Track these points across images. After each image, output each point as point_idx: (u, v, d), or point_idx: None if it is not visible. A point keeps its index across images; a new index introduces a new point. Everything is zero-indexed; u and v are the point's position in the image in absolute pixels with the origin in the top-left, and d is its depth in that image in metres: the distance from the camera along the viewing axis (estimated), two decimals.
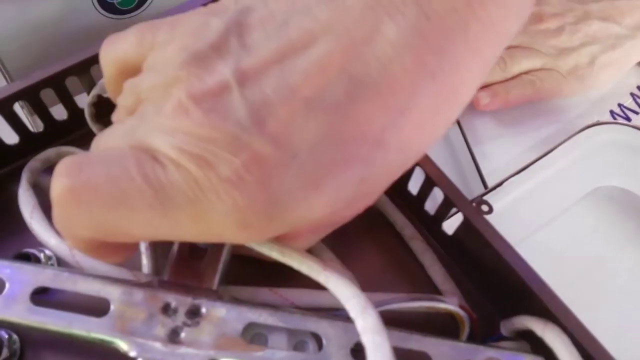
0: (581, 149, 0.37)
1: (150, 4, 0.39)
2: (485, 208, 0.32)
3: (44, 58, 0.40)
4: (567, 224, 0.38)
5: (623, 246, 0.36)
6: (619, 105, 0.41)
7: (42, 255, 0.27)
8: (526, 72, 0.38)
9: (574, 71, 0.37)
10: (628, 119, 0.41)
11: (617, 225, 0.37)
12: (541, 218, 0.37)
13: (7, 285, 0.23)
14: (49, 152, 0.28)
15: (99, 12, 0.39)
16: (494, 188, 0.35)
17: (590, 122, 0.40)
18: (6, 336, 0.25)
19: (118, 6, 0.38)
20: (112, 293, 0.23)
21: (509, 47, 0.36)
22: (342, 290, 0.20)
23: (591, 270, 0.35)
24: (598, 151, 0.37)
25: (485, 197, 0.33)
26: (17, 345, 0.25)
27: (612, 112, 0.41)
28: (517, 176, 0.35)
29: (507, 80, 0.38)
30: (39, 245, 0.26)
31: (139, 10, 0.39)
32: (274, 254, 0.21)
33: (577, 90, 0.39)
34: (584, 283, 0.35)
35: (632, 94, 0.41)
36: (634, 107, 0.41)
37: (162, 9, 0.39)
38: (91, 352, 0.25)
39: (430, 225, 0.29)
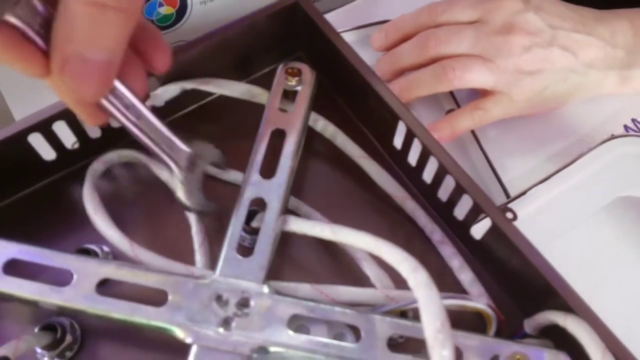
0: (601, 161, 0.39)
1: (186, 21, 0.42)
2: (509, 215, 0.33)
3: None
4: (587, 233, 0.39)
5: None
6: (633, 120, 0.43)
7: (99, 251, 0.29)
8: (475, 91, 0.38)
9: (525, 96, 0.37)
10: None
11: (636, 232, 0.39)
12: (562, 226, 0.38)
13: (74, 276, 0.25)
14: (111, 155, 0.31)
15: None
16: (518, 197, 0.37)
17: (604, 136, 0.41)
18: (69, 324, 0.27)
19: (157, 23, 0.41)
20: (169, 285, 0.25)
21: (469, 55, 0.35)
22: (394, 255, 0.23)
23: (610, 277, 0.37)
24: (617, 163, 0.39)
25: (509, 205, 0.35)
26: (78, 333, 0.27)
27: (626, 126, 0.43)
28: (539, 186, 0.37)
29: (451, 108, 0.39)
30: (97, 241, 0.29)
31: (176, 27, 0.42)
32: (326, 232, 0.23)
33: (525, 114, 0.39)
34: (603, 289, 0.36)
35: None
36: None
37: (197, 26, 0.42)
38: (145, 340, 0.27)
39: (458, 230, 0.31)
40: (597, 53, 0.37)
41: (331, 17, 0.35)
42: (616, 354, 0.23)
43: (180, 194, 0.27)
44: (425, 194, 0.32)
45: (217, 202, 0.28)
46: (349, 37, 0.37)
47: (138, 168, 0.32)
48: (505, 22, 0.36)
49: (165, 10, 0.40)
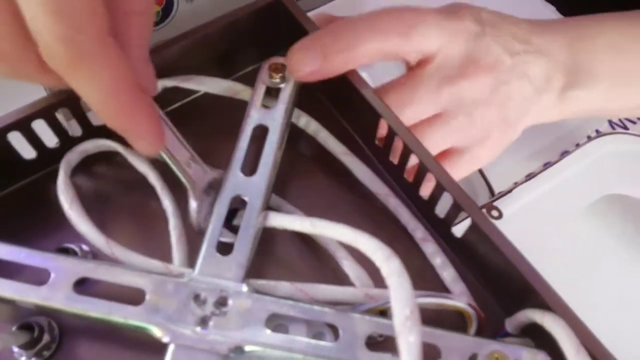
0: (587, 159, 0.39)
1: (172, 19, 0.42)
2: (495, 213, 0.34)
3: None
4: (573, 230, 0.39)
5: (628, 250, 0.38)
6: None
7: (79, 250, 0.29)
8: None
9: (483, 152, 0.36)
10: (626, 128, 0.43)
11: (622, 230, 0.39)
12: (549, 224, 0.38)
13: (51, 275, 0.25)
14: (86, 145, 0.30)
15: None
16: (503, 195, 0.37)
17: (589, 132, 0.41)
18: (46, 323, 0.27)
19: None
20: (147, 284, 0.25)
21: (429, 121, 0.34)
22: (369, 244, 0.24)
23: (595, 274, 0.37)
24: (603, 161, 0.39)
25: (494, 203, 0.35)
26: (56, 332, 0.27)
27: (610, 121, 0.43)
28: (525, 183, 0.37)
29: None
30: (77, 240, 0.29)
31: (162, 25, 0.42)
32: (306, 225, 0.23)
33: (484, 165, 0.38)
34: (588, 286, 0.37)
35: None
36: (631, 117, 0.43)
37: (183, 24, 0.42)
38: (123, 340, 0.27)
39: (440, 228, 0.31)
40: (542, 73, 0.36)
41: (314, 15, 0.35)
42: (592, 350, 0.23)
43: (194, 215, 0.27)
44: (408, 192, 0.32)
45: None
46: None
47: (114, 162, 0.32)
48: (466, 58, 0.34)
49: None
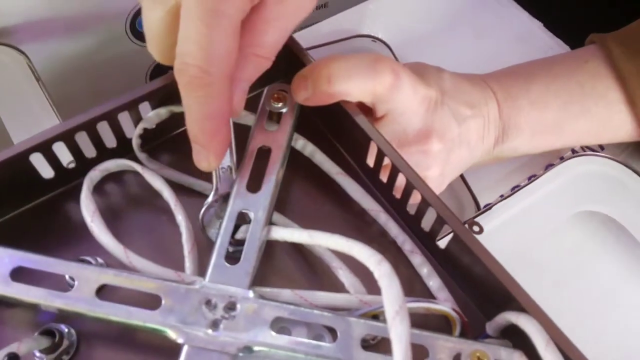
0: (561, 179, 0.42)
1: None
2: (476, 228, 0.36)
3: (85, 80, 0.45)
4: (551, 243, 0.42)
5: (601, 261, 0.41)
6: None
7: (94, 262, 0.31)
8: None
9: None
10: (602, 147, 0.46)
11: (595, 244, 0.42)
12: (527, 239, 0.41)
13: (75, 282, 0.27)
14: (107, 164, 0.33)
15: (131, 40, 0.45)
16: (484, 211, 0.40)
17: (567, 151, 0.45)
18: (66, 330, 0.29)
19: None
20: (162, 290, 0.27)
21: None
22: (363, 251, 0.27)
23: (572, 282, 0.40)
24: (576, 180, 0.42)
25: (476, 219, 0.38)
26: (74, 338, 0.29)
27: None
28: (505, 201, 0.40)
29: None
30: (92, 253, 0.31)
31: None
32: (305, 237, 0.27)
33: None
34: (566, 293, 0.40)
35: None
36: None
37: None
38: (135, 345, 0.30)
39: (426, 241, 0.34)
40: (478, 134, 0.40)
41: (304, 34, 0.38)
42: (560, 345, 0.26)
43: (214, 227, 0.31)
44: (396, 208, 0.35)
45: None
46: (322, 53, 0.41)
47: (130, 181, 0.35)
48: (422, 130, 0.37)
49: None
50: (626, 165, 0.42)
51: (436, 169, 0.38)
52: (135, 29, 0.45)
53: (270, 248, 0.32)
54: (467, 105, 0.39)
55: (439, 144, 0.38)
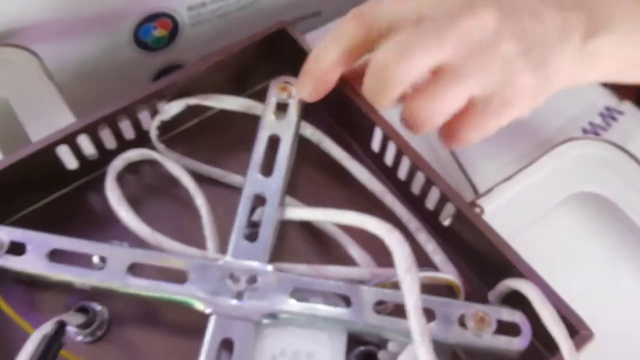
0: (558, 161, 0.44)
1: (177, 43, 0.47)
2: (477, 210, 0.39)
3: (92, 85, 0.47)
4: (548, 225, 0.44)
5: (596, 241, 0.43)
6: (590, 123, 0.49)
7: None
8: None
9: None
10: (597, 134, 0.48)
11: (590, 224, 0.44)
12: (525, 219, 0.43)
13: (108, 261, 0.29)
14: (130, 153, 0.35)
15: (135, 49, 0.47)
16: (485, 194, 0.42)
17: (565, 138, 0.47)
18: (99, 307, 0.31)
19: (151, 45, 0.46)
20: (189, 266, 0.29)
21: (435, 77, 0.30)
22: (374, 223, 0.30)
23: (568, 263, 0.42)
24: (572, 163, 0.44)
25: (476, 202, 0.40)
26: (107, 315, 0.31)
27: (584, 129, 0.49)
28: (504, 183, 0.42)
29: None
30: (116, 238, 0.33)
31: (168, 47, 0.47)
32: (319, 214, 0.30)
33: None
34: (561, 272, 0.42)
35: (600, 114, 0.49)
36: (602, 124, 0.49)
37: (188, 48, 0.47)
38: (162, 323, 0.32)
39: (430, 219, 0.36)
40: (557, 16, 0.30)
41: (314, 35, 0.41)
42: (557, 307, 0.28)
43: None
44: (401, 189, 0.37)
45: (220, 202, 0.34)
46: None
47: (146, 172, 0.37)
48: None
49: (159, 32, 0.46)
50: (621, 149, 0.44)
51: (510, 43, 0.29)
52: (139, 39, 0.47)
53: (283, 230, 0.34)
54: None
55: (494, 7, 0.29)
